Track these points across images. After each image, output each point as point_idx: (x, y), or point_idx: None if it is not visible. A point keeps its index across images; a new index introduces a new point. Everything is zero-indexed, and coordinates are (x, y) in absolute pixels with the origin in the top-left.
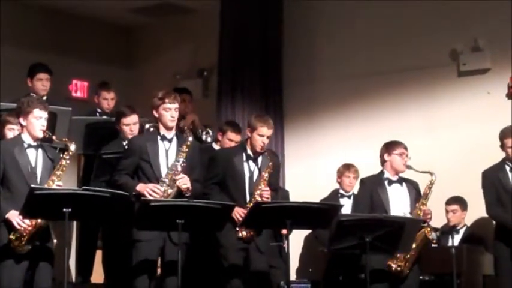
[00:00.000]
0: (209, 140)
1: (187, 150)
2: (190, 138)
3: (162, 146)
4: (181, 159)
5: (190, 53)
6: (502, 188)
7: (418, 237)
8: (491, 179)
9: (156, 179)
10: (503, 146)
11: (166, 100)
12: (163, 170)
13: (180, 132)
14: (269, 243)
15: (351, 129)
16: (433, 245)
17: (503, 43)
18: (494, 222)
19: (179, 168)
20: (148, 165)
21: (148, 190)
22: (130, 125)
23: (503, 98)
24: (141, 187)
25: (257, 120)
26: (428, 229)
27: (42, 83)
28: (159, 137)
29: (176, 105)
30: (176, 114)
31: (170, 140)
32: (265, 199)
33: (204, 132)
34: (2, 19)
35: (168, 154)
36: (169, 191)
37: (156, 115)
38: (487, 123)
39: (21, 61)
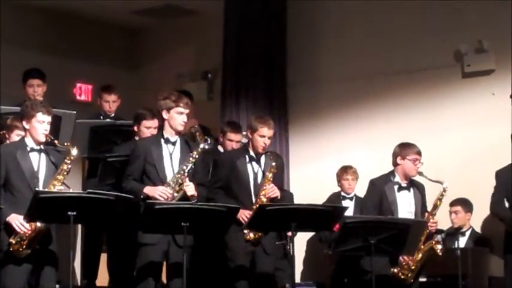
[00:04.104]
0: (206, 147)
1: (197, 157)
2: (202, 145)
3: (166, 149)
4: (189, 165)
5: (194, 55)
6: None
7: (424, 248)
8: (503, 178)
9: (161, 182)
10: None
11: (181, 104)
12: (168, 173)
13: (190, 137)
14: (275, 244)
15: (355, 131)
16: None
17: (507, 44)
18: (505, 232)
19: (186, 174)
20: (153, 169)
21: (159, 192)
22: (151, 128)
23: (508, 99)
24: (149, 190)
25: (257, 121)
26: (436, 240)
27: (33, 89)
28: (162, 140)
29: (188, 110)
30: (186, 120)
31: (174, 143)
32: (274, 196)
33: (202, 141)
34: (6, 21)
35: (172, 157)
36: (175, 194)
37: (165, 116)
38: (491, 125)
39: (25, 64)
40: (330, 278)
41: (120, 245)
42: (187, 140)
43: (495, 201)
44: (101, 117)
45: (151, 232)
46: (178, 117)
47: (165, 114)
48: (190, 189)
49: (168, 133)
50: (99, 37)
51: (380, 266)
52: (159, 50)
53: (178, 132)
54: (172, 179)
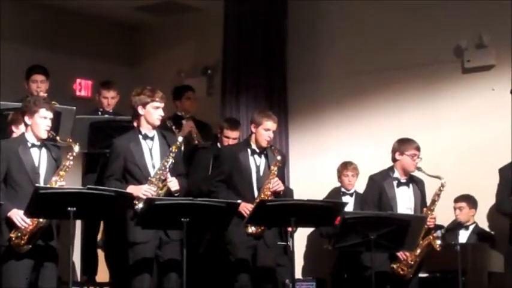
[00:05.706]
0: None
1: (176, 151)
2: (180, 139)
3: (145, 145)
4: (170, 160)
5: (194, 51)
6: None
7: (423, 243)
8: (506, 175)
9: (146, 179)
10: None
11: (157, 98)
12: (151, 170)
13: (184, 137)
14: (276, 237)
15: (355, 127)
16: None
17: (507, 39)
18: (509, 224)
19: (167, 169)
20: (136, 167)
21: (143, 191)
22: None
23: (508, 95)
24: (133, 189)
25: (261, 116)
26: (434, 235)
27: (36, 85)
28: (140, 136)
29: (163, 104)
30: (163, 114)
31: (152, 138)
32: (279, 189)
33: (196, 140)
34: (6, 18)
35: (152, 153)
36: (159, 192)
37: (141, 112)
38: (491, 120)
39: (25, 60)
40: (330, 273)
41: (118, 241)
42: (164, 133)
43: (501, 199)
44: (99, 112)
45: (150, 228)
46: (154, 112)
47: (140, 110)
48: (173, 184)
49: (145, 129)
50: (99, 33)
51: (380, 261)
52: (159, 46)
53: (154, 127)
54: (155, 175)
